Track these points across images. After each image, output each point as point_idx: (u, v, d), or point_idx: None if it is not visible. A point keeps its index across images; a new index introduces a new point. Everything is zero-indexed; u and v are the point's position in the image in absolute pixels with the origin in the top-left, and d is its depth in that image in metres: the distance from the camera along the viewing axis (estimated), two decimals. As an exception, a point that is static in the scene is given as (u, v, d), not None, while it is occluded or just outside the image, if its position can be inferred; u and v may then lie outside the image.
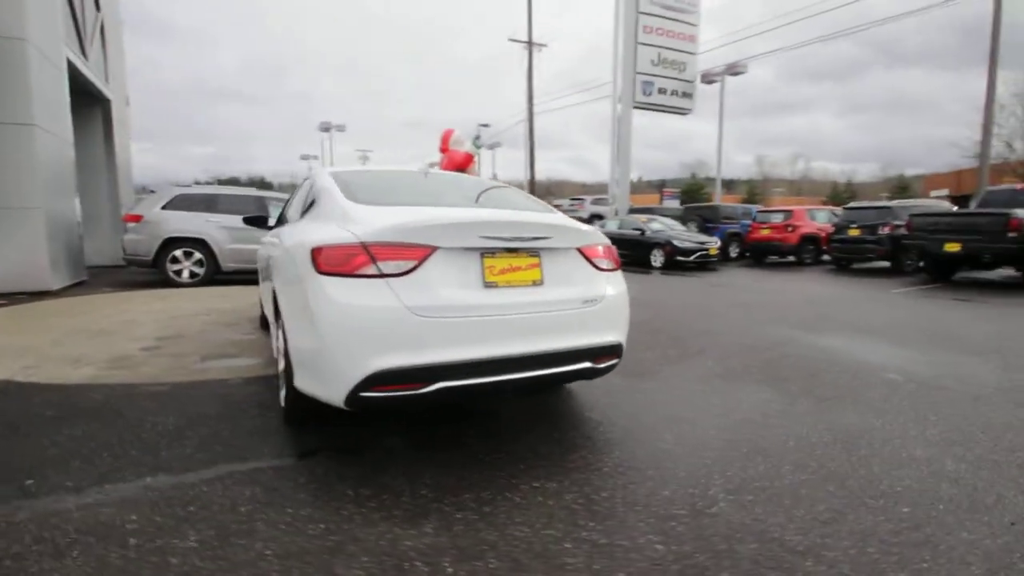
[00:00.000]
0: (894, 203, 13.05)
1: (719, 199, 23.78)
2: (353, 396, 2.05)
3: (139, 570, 1.57)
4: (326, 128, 42.73)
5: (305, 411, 2.52)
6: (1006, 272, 9.94)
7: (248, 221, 4.45)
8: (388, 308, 2.05)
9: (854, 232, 11.91)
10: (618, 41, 17.99)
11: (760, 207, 17.91)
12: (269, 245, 3.66)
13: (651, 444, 2.55)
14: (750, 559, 1.66)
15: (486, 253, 2.25)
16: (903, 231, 10.31)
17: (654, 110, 18.44)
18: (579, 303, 2.43)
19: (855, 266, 12.72)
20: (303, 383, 2.31)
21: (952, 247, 8.71)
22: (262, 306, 4.49)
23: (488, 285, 2.23)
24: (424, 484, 2.11)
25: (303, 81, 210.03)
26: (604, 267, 2.61)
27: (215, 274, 8.41)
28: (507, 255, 2.29)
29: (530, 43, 24.36)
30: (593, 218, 20.98)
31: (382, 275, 2.07)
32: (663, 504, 2.00)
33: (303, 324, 2.23)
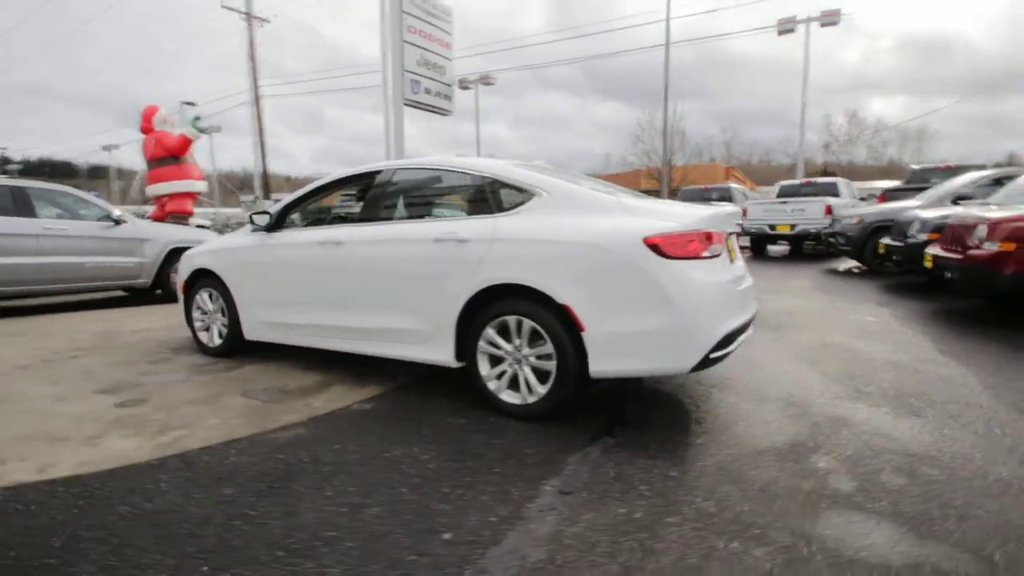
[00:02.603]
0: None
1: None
2: (704, 360, 2.52)
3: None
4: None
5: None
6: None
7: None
8: (721, 283, 2.58)
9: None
10: (385, 37, 18.11)
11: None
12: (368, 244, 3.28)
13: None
14: None
15: (729, 236, 2.93)
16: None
17: (421, 108, 19.17)
18: (745, 274, 3.30)
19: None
20: (614, 365, 2.59)
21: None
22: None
23: (732, 262, 2.92)
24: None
25: None
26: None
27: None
28: (730, 238, 3.02)
29: (249, 17, 21.83)
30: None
31: (712, 256, 2.57)
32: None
33: (634, 307, 2.51)
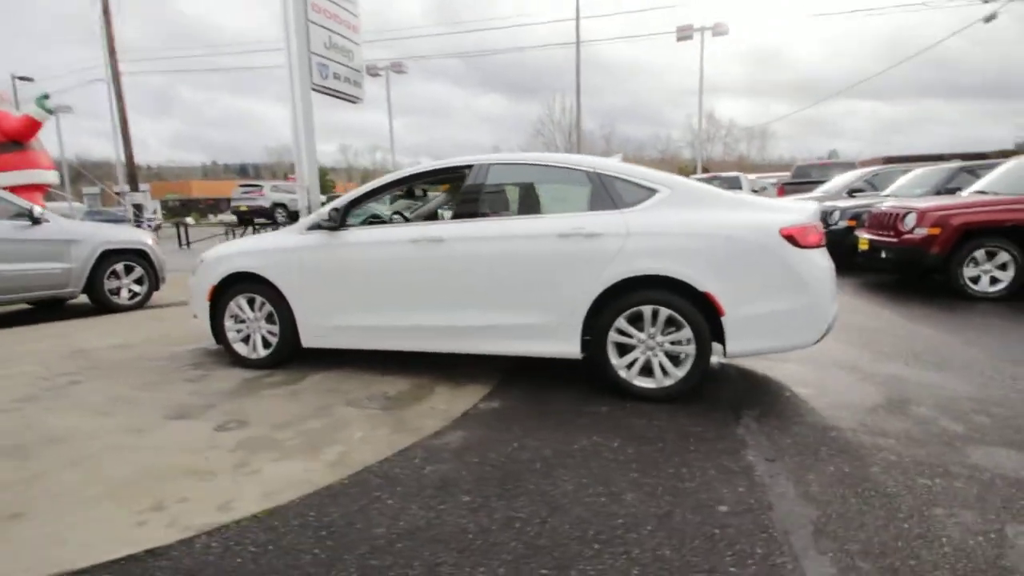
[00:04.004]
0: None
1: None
2: (825, 332, 2.89)
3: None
4: None
5: None
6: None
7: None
8: (830, 268, 2.98)
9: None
10: (288, 15, 16.61)
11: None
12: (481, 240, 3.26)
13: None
14: None
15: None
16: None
17: (330, 95, 17.94)
18: None
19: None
20: (750, 344, 2.91)
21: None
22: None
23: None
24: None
25: None
26: None
27: None
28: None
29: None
30: (278, 208, 18.93)
31: (823, 245, 2.96)
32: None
33: (770, 291, 2.84)
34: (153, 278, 6.67)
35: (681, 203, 3.05)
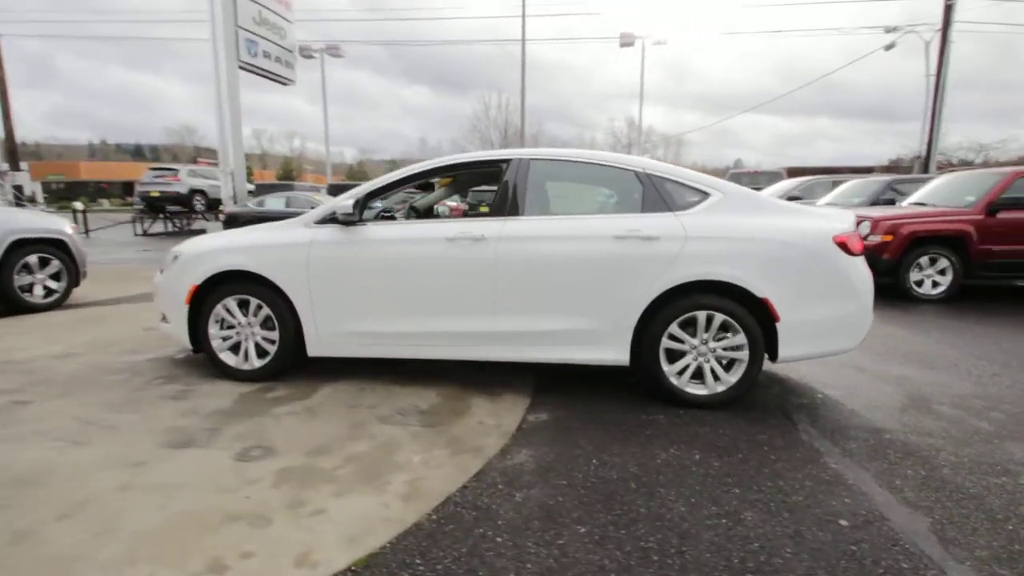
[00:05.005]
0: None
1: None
2: (864, 338, 2.98)
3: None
4: None
5: None
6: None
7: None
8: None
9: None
10: (210, -17, 15.03)
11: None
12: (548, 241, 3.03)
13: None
14: None
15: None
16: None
17: (259, 74, 16.64)
18: None
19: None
20: (801, 349, 2.94)
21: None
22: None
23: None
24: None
25: None
26: None
27: None
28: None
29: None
30: (196, 194, 17.09)
31: (864, 253, 3.04)
32: (880, 354, 4.00)
33: (824, 297, 2.88)
34: (73, 273, 5.70)
35: (734, 208, 3.01)
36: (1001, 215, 6.01)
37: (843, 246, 2.90)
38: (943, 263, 6.10)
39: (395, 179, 3.30)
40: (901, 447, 2.56)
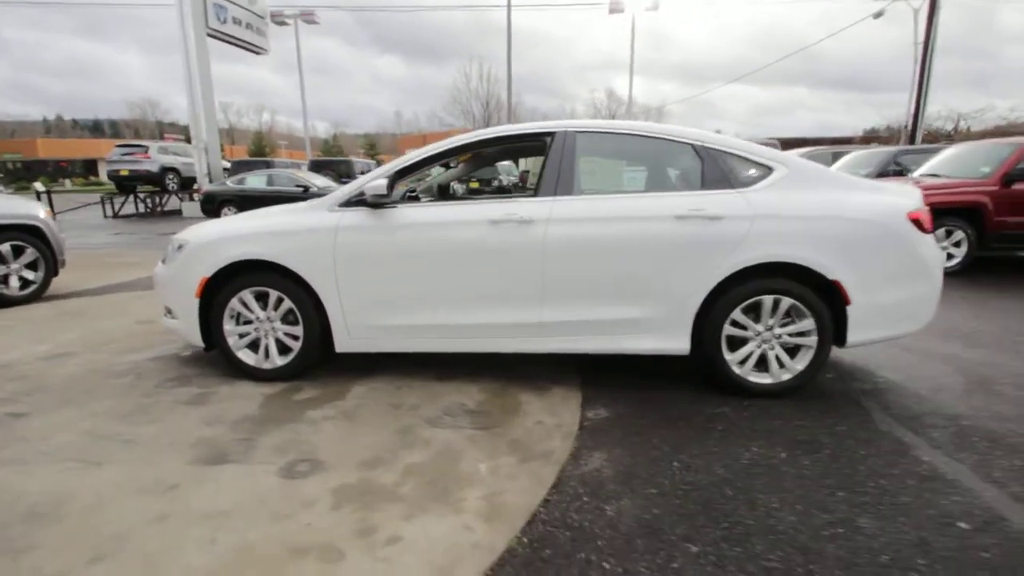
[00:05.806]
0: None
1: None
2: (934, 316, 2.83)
3: None
4: None
5: None
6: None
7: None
8: (938, 252, 2.91)
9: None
10: (173, -58, 13.92)
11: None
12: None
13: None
14: None
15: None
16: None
17: (229, 42, 15.66)
18: None
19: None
20: (870, 333, 2.78)
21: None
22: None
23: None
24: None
25: None
26: None
27: None
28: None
29: None
30: (168, 172, 16.19)
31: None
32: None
33: (896, 277, 2.71)
34: (51, 261, 5.24)
35: (800, 183, 2.79)
36: (1016, 186, 5.96)
37: (917, 223, 2.72)
38: (958, 235, 6.05)
39: (427, 155, 2.98)
40: (984, 435, 2.44)
